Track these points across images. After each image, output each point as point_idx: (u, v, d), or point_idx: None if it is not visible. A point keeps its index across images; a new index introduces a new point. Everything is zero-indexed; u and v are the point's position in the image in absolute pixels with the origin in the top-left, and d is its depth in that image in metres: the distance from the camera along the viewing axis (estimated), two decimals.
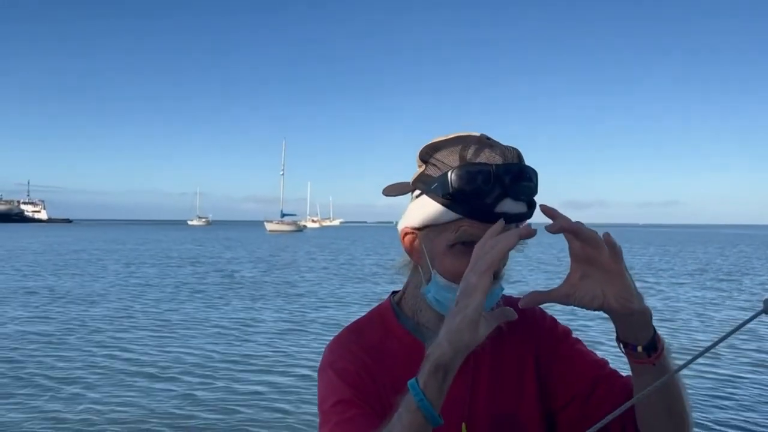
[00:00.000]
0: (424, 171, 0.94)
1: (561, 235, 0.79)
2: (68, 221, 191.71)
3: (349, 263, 25.35)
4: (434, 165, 0.92)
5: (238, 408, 5.78)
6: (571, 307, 0.82)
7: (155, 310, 11.99)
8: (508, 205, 0.86)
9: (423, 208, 0.92)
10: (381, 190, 1.01)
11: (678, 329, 9.97)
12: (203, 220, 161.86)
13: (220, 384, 6.58)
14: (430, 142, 0.94)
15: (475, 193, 0.85)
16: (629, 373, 0.92)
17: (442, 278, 0.92)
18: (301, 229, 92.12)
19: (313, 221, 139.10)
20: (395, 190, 1.00)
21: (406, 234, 0.97)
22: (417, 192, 0.95)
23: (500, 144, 0.91)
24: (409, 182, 0.98)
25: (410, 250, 0.98)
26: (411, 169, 1.01)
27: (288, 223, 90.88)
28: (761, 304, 0.71)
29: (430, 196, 0.90)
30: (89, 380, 6.72)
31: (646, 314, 0.82)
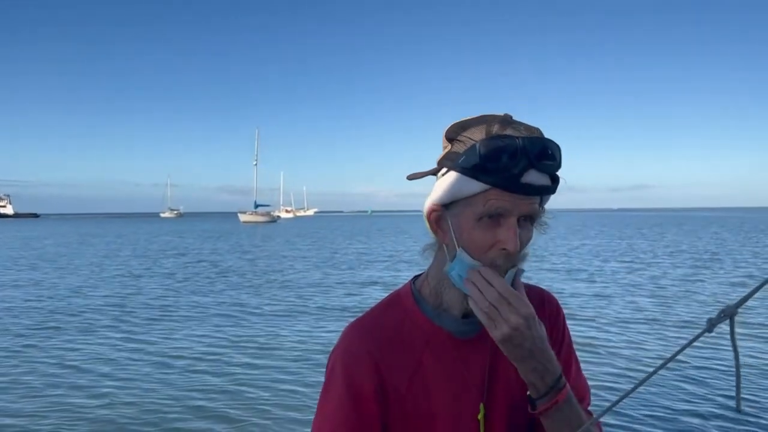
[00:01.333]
0: (450, 149, 0.95)
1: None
2: (35, 216, 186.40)
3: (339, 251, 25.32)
4: (461, 142, 0.93)
5: (255, 395, 5.80)
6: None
7: (157, 303, 11.86)
8: (533, 177, 0.89)
9: (451, 183, 0.93)
10: (406, 177, 1.02)
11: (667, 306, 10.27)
12: (174, 212, 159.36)
13: (233, 370, 6.59)
14: (456, 122, 0.95)
15: (503, 163, 0.87)
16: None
17: (467, 255, 0.92)
18: (274, 220, 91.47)
19: (287, 211, 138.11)
20: (420, 174, 1.01)
21: (432, 212, 0.97)
22: (443, 170, 0.96)
23: (524, 123, 0.93)
24: (433, 168, 0.99)
25: (436, 228, 0.98)
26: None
27: (262, 214, 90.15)
28: (705, 324, 0.76)
29: (458, 170, 0.91)
30: (103, 369, 6.69)
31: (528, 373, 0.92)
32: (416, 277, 1.09)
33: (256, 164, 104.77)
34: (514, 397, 1.02)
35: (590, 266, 17.30)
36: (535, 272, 15.42)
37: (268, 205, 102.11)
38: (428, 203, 0.98)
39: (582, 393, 1.07)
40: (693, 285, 12.98)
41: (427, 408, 0.98)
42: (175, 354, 7.37)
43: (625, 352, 7.15)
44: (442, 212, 0.96)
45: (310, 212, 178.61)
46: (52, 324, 9.51)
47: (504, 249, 0.90)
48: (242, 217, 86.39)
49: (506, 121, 0.91)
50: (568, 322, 1.13)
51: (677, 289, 12.41)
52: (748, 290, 0.75)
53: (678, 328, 8.45)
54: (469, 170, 0.89)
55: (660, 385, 5.66)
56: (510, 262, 0.92)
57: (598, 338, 7.77)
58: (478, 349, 1.01)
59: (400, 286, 1.09)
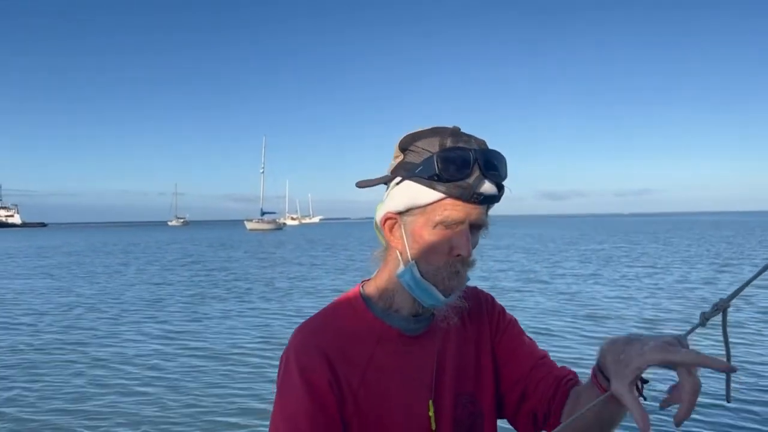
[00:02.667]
0: (403, 159, 0.99)
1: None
2: (43, 225, 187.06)
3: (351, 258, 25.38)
4: (415, 152, 0.97)
5: None
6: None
7: (184, 310, 11.96)
8: (485, 187, 0.94)
9: (407, 192, 0.97)
10: (355, 184, 1.05)
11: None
12: (180, 220, 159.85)
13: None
14: (408, 133, 0.99)
15: (459, 174, 0.92)
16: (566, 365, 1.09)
17: (417, 269, 0.97)
18: (281, 227, 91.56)
19: (292, 219, 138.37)
20: (370, 181, 1.04)
21: (387, 219, 1.01)
22: (398, 179, 0.99)
23: (472, 135, 0.98)
24: (384, 175, 1.03)
25: (389, 235, 1.02)
26: (387, 164, 1.06)
27: (268, 222, 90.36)
28: (699, 318, 0.81)
29: (414, 180, 0.95)
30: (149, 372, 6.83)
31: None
32: (364, 282, 1.12)
33: (263, 172, 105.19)
34: (458, 391, 1.06)
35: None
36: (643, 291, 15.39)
37: (274, 213, 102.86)
38: (383, 211, 1.01)
39: (542, 352, 1.13)
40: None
41: (379, 402, 1.01)
42: (233, 354, 7.51)
43: None
44: (397, 219, 1.00)
45: (316, 219, 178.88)
46: (104, 327, 9.66)
47: (459, 255, 0.96)
48: (249, 225, 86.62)
49: (457, 133, 0.96)
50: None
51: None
52: (739, 285, 0.80)
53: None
54: (426, 180, 0.94)
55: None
56: (466, 266, 0.99)
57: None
58: (426, 346, 1.06)
59: (349, 290, 1.12)
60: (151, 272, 20.34)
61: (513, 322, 1.17)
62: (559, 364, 1.12)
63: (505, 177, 0.97)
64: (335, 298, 1.11)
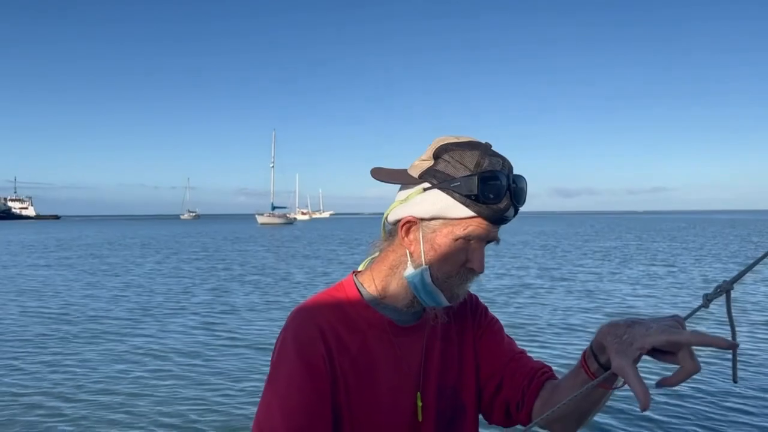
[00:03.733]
0: (435, 167, 1.00)
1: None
2: (56, 217, 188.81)
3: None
4: (449, 163, 0.98)
5: None
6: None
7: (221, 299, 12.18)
8: (510, 211, 0.99)
9: (438, 202, 0.98)
10: (370, 171, 1.05)
11: None
12: (192, 214, 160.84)
13: None
14: (446, 142, 1.01)
15: (495, 198, 0.96)
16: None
17: (429, 275, 1.00)
18: (291, 222, 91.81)
19: (303, 213, 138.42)
20: (388, 176, 1.06)
21: (407, 222, 1.02)
22: (426, 185, 1.00)
23: (502, 156, 1.01)
24: (404, 170, 1.05)
25: (404, 236, 1.03)
26: (404, 162, 1.08)
27: (279, 216, 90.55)
28: (701, 299, 0.81)
29: (448, 193, 0.97)
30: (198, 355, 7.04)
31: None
32: (356, 273, 1.14)
33: (272, 166, 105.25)
34: (442, 384, 1.10)
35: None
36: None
37: (284, 208, 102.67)
38: (405, 212, 1.02)
39: (520, 349, 1.18)
40: None
41: (368, 388, 1.03)
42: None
43: None
44: (417, 223, 1.02)
45: (326, 214, 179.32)
46: (142, 317, 9.89)
47: (472, 269, 1.01)
48: (260, 219, 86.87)
49: (492, 153, 0.99)
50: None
51: None
52: (742, 268, 0.80)
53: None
54: (462, 197, 0.96)
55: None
56: (474, 277, 1.03)
57: None
58: (415, 338, 1.09)
59: (342, 279, 1.14)
60: (176, 264, 20.59)
61: (494, 321, 1.21)
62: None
63: (525, 202, 1.02)
64: (331, 285, 1.13)
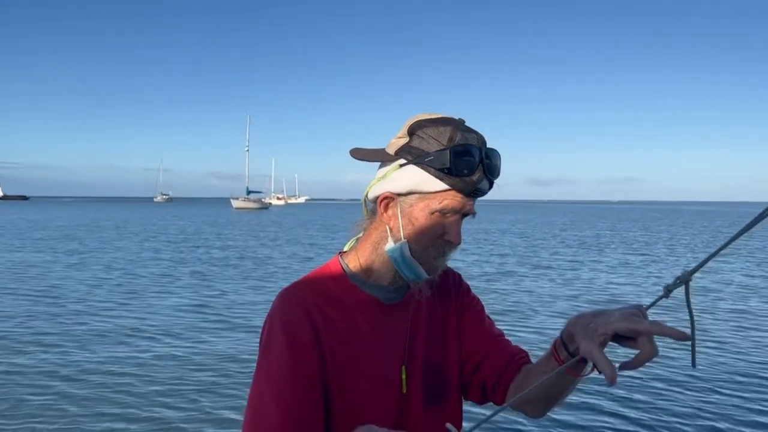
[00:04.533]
0: (410, 143, 1.03)
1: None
2: (24, 198, 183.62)
3: None
4: (423, 139, 1.01)
5: None
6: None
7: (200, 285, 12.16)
8: (484, 183, 1.02)
9: (413, 177, 1.01)
10: (349, 151, 1.08)
11: None
12: (165, 197, 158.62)
13: None
14: (419, 119, 1.03)
15: (467, 171, 0.99)
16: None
17: (408, 249, 1.03)
18: (266, 207, 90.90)
19: (278, 198, 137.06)
20: (367, 155, 1.08)
21: (385, 197, 1.05)
22: (401, 161, 1.03)
23: (476, 130, 1.03)
24: (381, 149, 1.07)
25: (383, 212, 1.06)
26: (378, 144, 1.10)
27: (254, 201, 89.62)
28: (662, 290, 0.85)
29: (423, 167, 1.00)
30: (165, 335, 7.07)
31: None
32: (342, 254, 1.16)
33: (247, 150, 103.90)
34: (428, 360, 1.13)
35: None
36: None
37: (260, 192, 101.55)
38: (382, 189, 1.05)
39: (500, 331, 1.23)
40: None
41: (356, 366, 1.05)
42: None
43: None
44: (395, 200, 1.05)
45: (302, 200, 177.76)
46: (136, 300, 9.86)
47: (449, 241, 1.04)
48: (235, 204, 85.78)
49: (465, 128, 1.02)
50: None
51: None
52: (702, 258, 0.83)
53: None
54: (435, 171, 0.99)
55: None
56: (452, 250, 1.06)
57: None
58: (401, 315, 1.12)
59: (328, 260, 1.16)
60: (158, 248, 20.35)
61: (477, 301, 1.25)
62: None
63: (499, 175, 1.05)
64: (316, 267, 1.15)
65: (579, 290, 11.38)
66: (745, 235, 0.78)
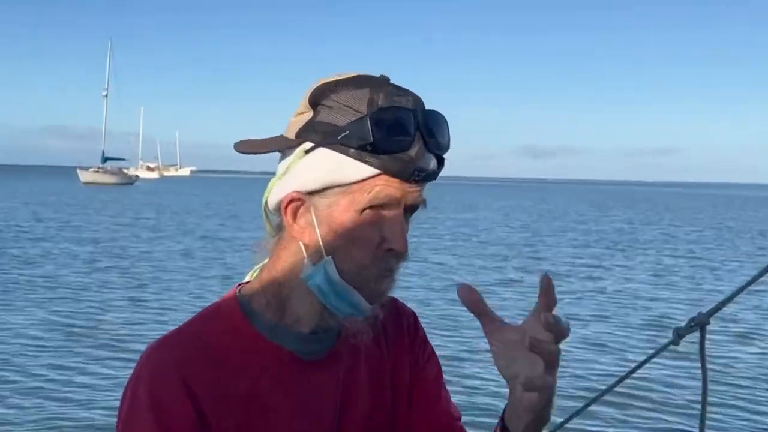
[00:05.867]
0: (315, 118, 1.04)
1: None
2: None
3: None
4: (333, 109, 1.02)
5: None
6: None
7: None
8: (426, 160, 1.02)
9: (325, 164, 1.01)
10: (233, 145, 1.10)
11: None
12: None
13: None
14: (323, 82, 1.04)
15: (399, 144, 0.99)
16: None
17: (335, 269, 1.03)
18: (131, 181, 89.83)
19: (149, 169, 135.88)
20: (259, 145, 1.09)
21: (291, 201, 1.05)
22: (307, 146, 1.03)
23: (407, 89, 1.05)
24: (278, 136, 1.08)
25: (291, 223, 1.07)
26: (295, 103, 1.06)
27: (112, 172, 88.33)
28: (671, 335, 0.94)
29: (336, 149, 1.00)
30: None
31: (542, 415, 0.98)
32: (241, 286, 1.18)
33: (106, 95, 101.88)
34: (369, 429, 1.18)
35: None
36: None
37: (122, 159, 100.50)
38: (284, 190, 1.06)
39: (458, 412, 1.30)
40: None
41: None
42: None
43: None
44: (305, 202, 1.05)
45: (185, 172, 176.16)
46: None
47: (391, 249, 1.03)
48: (84, 176, 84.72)
49: (391, 86, 1.03)
50: None
51: None
52: (722, 297, 0.89)
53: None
54: (354, 150, 0.99)
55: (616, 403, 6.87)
56: (398, 264, 1.07)
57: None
58: (328, 373, 1.14)
59: (222, 296, 1.18)
60: None
61: (433, 358, 1.30)
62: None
63: (449, 148, 1.06)
64: (205, 308, 1.16)
65: (604, 308, 11.33)
66: None
